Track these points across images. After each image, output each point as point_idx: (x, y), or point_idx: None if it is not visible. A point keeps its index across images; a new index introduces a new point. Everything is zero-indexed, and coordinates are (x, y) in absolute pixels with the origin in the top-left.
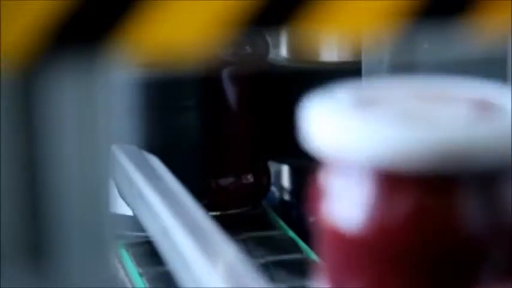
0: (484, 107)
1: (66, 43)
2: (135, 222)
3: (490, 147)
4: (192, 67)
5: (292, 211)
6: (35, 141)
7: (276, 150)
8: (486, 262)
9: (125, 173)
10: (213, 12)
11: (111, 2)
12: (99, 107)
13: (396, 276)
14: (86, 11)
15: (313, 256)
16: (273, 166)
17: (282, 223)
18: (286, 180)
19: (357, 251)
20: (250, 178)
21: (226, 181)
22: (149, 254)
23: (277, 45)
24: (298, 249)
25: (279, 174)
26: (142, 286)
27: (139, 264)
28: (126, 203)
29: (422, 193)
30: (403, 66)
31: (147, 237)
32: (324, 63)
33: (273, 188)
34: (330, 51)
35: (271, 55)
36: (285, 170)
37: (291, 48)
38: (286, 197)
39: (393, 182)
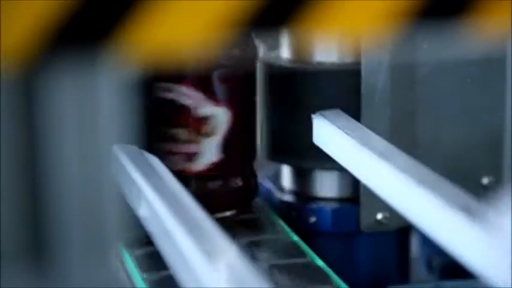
0: None
1: (67, 43)
2: (136, 223)
3: None
4: (188, 68)
5: (292, 212)
6: (36, 141)
7: (275, 150)
8: None
9: (126, 173)
10: (212, 13)
11: (111, 2)
12: (100, 107)
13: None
14: (86, 12)
15: (317, 260)
16: (273, 166)
17: (284, 226)
18: (286, 180)
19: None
20: (239, 182)
21: (215, 184)
22: (150, 254)
23: (276, 46)
24: (302, 254)
25: (279, 174)
26: (144, 286)
27: (141, 265)
28: (127, 203)
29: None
30: (403, 66)
31: (147, 237)
32: (322, 64)
33: (273, 188)
34: (330, 52)
35: (271, 56)
36: (285, 170)
37: (291, 49)
38: (286, 197)
39: None
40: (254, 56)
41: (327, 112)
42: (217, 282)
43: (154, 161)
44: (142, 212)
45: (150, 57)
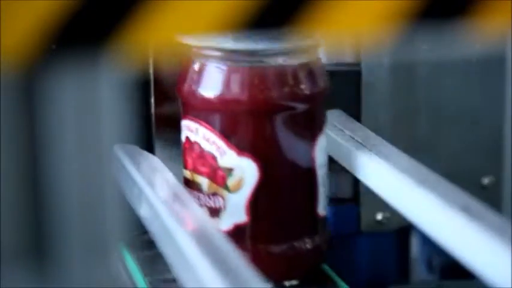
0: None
1: (67, 44)
2: (136, 223)
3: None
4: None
5: None
6: (36, 141)
7: None
8: None
9: (127, 173)
10: (213, 14)
11: (112, 3)
12: (101, 107)
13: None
14: (86, 12)
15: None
16: None
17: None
18: None
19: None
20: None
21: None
22: (151, 255)
23: None
24: None
25: None
26: (145, 286)
27: (143, 268)
28: (128, 203)
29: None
30: (403, 66)
31: (148, 237)
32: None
33: None
34: (331, 52)
35: None
36: None
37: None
38: None
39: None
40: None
41: (327, 112)
42: (218, 282)
43: (155, 161)
44: (143, 212)
45: (149, 58)
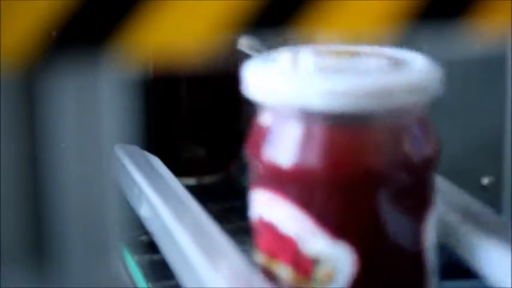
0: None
1: (68, 44)
2: (137, 223)
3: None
4: (192, 68)
5: None
6: (36, 141)
7: None
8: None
9: (127, 173)
10: (213, 14)
11: (112, 2)
12: (101, 107)
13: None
14: (87, 12)
15: None
16: None
17: None
18: None
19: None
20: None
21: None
22: (152, 256)
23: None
24: None
25: None
26: (145, 286)
27: (145, 271)
28: (128, 203)
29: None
30: None
31: (149, 237)
32: None
33: None
34: None
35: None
36: None
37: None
38: None
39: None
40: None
41: None
42: (218, 282)
43: (156, 161)
44: (143, 212)
45: (151, 58)
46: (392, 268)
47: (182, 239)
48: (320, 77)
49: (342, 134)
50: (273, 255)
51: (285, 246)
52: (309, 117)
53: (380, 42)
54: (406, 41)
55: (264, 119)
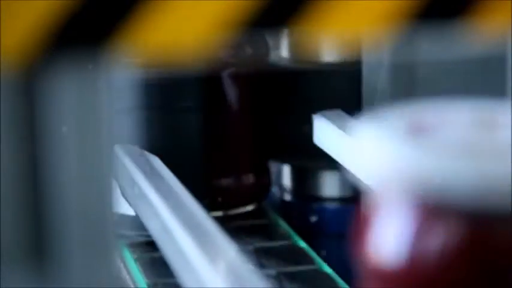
0: None
1: (68, 44)
2: (137, 223)
3: None
4: (192, 68)
5: (293, 211)
6: (36, 141)
7: (277, 150)
8: None
9: (127, 173)
10: (214, 13)
11: (112, 2)
12: (101, 107)
13: None
14: (86, 12)
15: (325, 267)
16: (273, 166)
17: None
18: (286, 180)
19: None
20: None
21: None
22: (152, 255)
23: (278, 46)
24: (310, 261)
25: (280, 174)
26: (145, 286)
27: (145, 271)
28: (128, 203)
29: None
30: (403, 66)
31: (149, 237)
32: (325, 64)
33: (274, 188)
34: (331, 52)
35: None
36: (286, 169)
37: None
38: (287, 197)
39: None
40: (265, 55)
41: (327, 112)
42: (218, 282)
43: (156, 161)
44: (144, 212)
45: (151, 58)
46: None
47: (182, 239)
48: (460, 158)
49: (486, 233)
50: None
51: None
52: (438, 208)
53: (380, 42)
54: (406, 41)
55: (372, 206)
